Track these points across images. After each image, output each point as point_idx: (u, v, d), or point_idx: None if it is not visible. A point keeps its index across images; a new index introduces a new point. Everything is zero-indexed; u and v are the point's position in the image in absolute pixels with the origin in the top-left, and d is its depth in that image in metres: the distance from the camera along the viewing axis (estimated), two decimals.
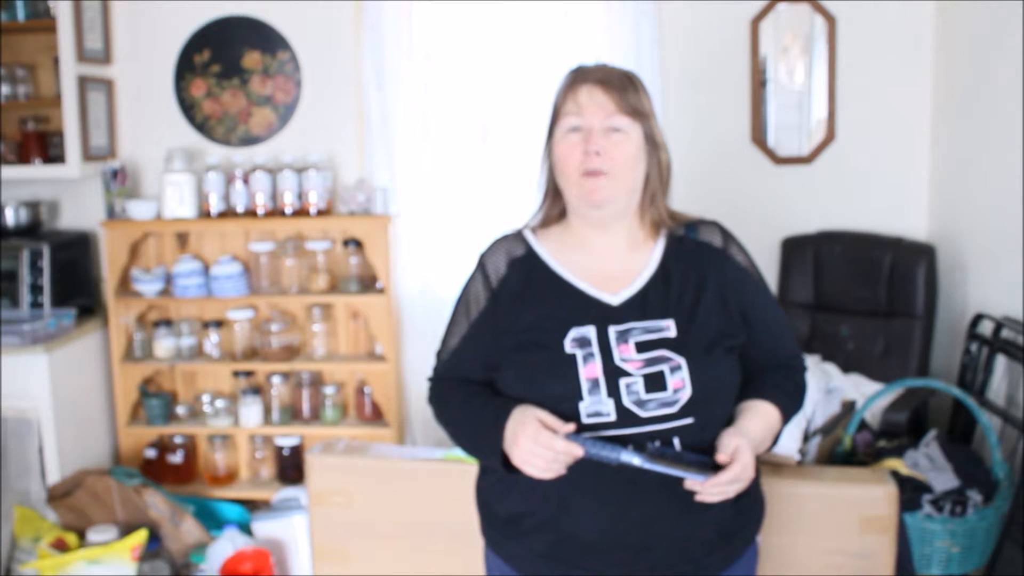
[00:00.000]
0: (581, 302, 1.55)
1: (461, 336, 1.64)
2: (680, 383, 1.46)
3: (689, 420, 1.47)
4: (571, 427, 1.43)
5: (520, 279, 1.59)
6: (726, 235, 1.64)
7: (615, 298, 1.54)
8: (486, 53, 3.68)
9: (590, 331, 1.50)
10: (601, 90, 1.54)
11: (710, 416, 1.50)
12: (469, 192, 3.74)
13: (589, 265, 1.58)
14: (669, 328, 1.50)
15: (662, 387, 1.46)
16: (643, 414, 1.46)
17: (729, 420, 1.54)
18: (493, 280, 1.61)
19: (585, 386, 1.47)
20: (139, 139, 3.89)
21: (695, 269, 1.57)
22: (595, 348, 1.49)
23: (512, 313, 1.57)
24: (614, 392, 1.47)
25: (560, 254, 1.61)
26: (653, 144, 1.57)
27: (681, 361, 1.47)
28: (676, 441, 1.47)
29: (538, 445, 1.42)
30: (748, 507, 1.61)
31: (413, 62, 3.69)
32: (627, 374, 1.47)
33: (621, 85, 1.55)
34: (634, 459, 1.41)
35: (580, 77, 1.57)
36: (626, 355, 1.48)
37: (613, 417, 1.46)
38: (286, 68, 3.79)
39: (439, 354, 1.69)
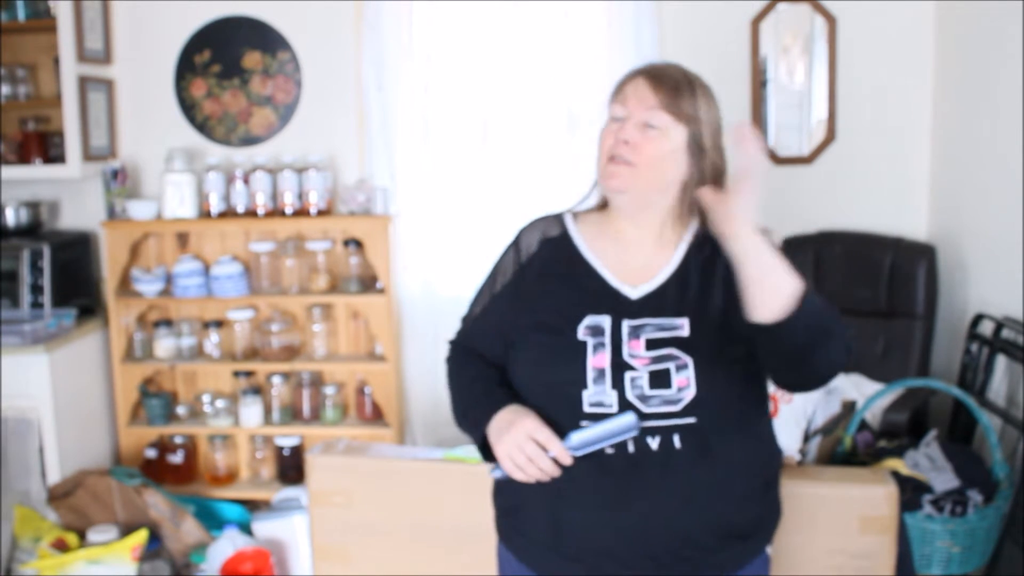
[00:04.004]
0: (601, 290, 1.56)
1: (483, 306, 1.68)
2: (685, 382, 1.46)
3: (691, 420, 1.47)
4: (569, 457, 1.46)
5: (548, 258, 1.62)
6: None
7: (635, 291, 1.55)
8: (486, 53, 3.68)
9: (605, 321, 1.52)
10: (647, 84, 1.54)
11: (714, 418, 1.48)
12: (469, 192, 3.74)
13: (617, 255, 1.59)
14: (683, 327, 1.50)
15: (666, 384, 1.47)
16: (645, 409, 1.46)
17: (738, 424, 1.52)
18: (523, 255, 1.65)
19: (591, 375, 1.49)
20: (139, 139, 3.89)
21: (710, 261, 1.56)
22: (607, 339, 1.50)
23: (535, 290, 1.60)
24: (618, 384, 1.48)
25: (592, 240, 1.62)
26: (698, 150, 1.53)
27: (688, 360, 1.47)
28: (676, 438, 1.47)
29: (527, 442, 1.45)
30: (758, 512, 1.59)
31: (413, 62, 3.69)
32: (633, 368, 1.48)
33: (673, 85, 1.53)
34: (572, 451, 1.46)
35: (636, 71, 1.58)
36: (635, 351, 1.49)
37: (615, 409, 1.47)
38: (286, 68, 3.79)
39: (463, 319, 1.73)
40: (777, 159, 3.69)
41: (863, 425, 2.77)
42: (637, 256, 1.58)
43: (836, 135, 3.65)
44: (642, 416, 1.46)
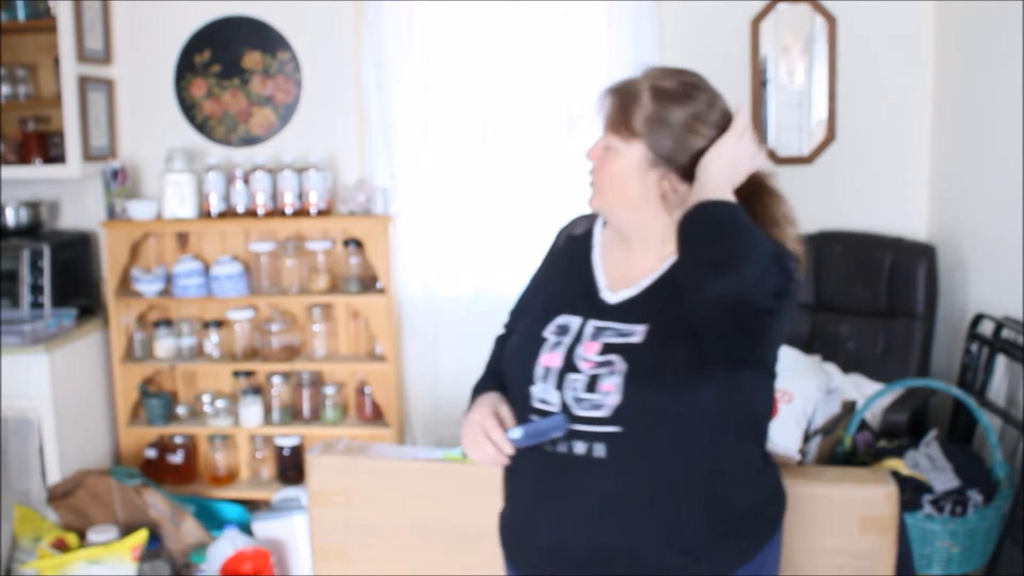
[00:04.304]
0: (586, 292, 1.58)
1: (519, 297, 1.74)
2: (610, 387, 1.44)
3: (618, 428, 1.44)
4: (510, 447, 1.51)
5: (566, 255, 1.67)
6: None
7: (614, 296, 1.55)
8: (486, 53, 3.68)
9: (575, 321, 1.54)
10: (603, 104, 1.55)
11: (645, 430, 1.44)
12: (469, 192, 3.74)
13: (620, 262, 1.60)
14: (637, 334, 1.48)
15: (595, 390, 1.46)
16: (578, 412, 1.47)
17: (679, 442, 1.45)
18: (552, 251, 1.71)
19: (539, 372, 1.51)
20: (139, 139, 3.89)
21: None
22: (568, 339, 1.52)
23: (545, 284, 1.66)
24: (561, 384, 1.49)
25: (608, 244, 1.63)
26: (663, 161, 1.49)
27: (623, 368, 1.45)
28: (600, 446, 1.45)
29: (476, 427, 1.53)
30: (697, 538, 1.48)
31: (413, 62, 3.69)
32: (577, 371, 1.48)
33: (623, 101, 1.52)
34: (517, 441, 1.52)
35: (603, 90, 1.58)
36: (587, 354, 1.49)
37: (556, 409, 1.49)
38: (286, 68, 3.79)
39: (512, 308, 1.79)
40: (777, 159, 3.69)
41: (863, 425, 2.77)
42: (636, 265, 1.58)
43: (836, 135, 3.65)
44: (573, 419, 1.46)
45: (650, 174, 1.51)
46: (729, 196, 1.44)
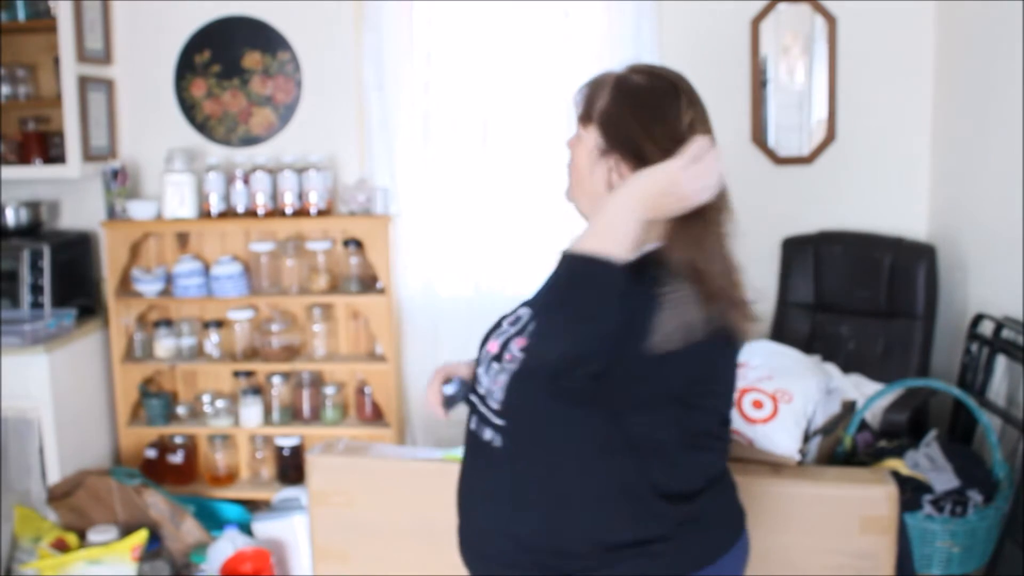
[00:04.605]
0: None
1: None
2: (501, 383, 1.51)
3: (503, 422, 1.50)
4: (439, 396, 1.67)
5: None
6: (644, 267, 1.41)
7: None
8: (486, 53, 3.68)
9: (527, 314, 1.58)
10: (578, 99, 1.57)
11: (522, 431, 1.47)
12: (469, 192, 3.74)
13: None
14: None
15: (495, 382, 1.54)
16: (488, 400, 1.54)
17: (554, 450, 1.44)
18: None
19: (483, 354, 1.59)
20: (139, 139, 3.89)
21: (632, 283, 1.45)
22: (514, 330, 1.57)
23: None
24: (488, 371, 1.56)
25: None
26: (613, 151, 1.45)
27: (516, 367, 1.50)
28: (498, 436, 1.50)
29: (429, 385, 1.70)
30: (571, 550, 1.45)
31: (413, 62, 3.70)
32: (501, 361, 1.53)
33: (588, 91, 1.54)
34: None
35: None
36: (514, 347, 1.53)
37: (483, 391, 1.56)
38: (286, 68, 3.79)
39: None
40: (777, 159, 3.69)
41: (863, 425, 2.77)
42: None
43: (836, 135, 3.65)
44: (485, 403, 1.54)
45: (600, 163, 1.48)
46: (623, 228, 1.32)
